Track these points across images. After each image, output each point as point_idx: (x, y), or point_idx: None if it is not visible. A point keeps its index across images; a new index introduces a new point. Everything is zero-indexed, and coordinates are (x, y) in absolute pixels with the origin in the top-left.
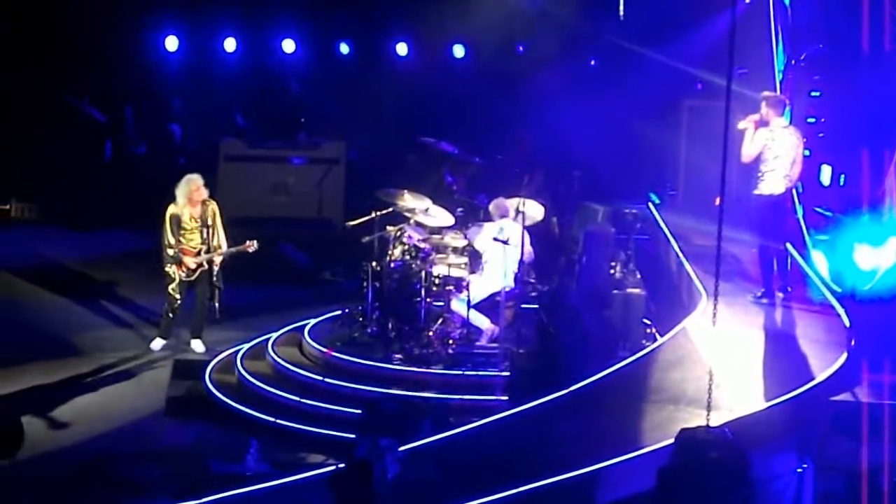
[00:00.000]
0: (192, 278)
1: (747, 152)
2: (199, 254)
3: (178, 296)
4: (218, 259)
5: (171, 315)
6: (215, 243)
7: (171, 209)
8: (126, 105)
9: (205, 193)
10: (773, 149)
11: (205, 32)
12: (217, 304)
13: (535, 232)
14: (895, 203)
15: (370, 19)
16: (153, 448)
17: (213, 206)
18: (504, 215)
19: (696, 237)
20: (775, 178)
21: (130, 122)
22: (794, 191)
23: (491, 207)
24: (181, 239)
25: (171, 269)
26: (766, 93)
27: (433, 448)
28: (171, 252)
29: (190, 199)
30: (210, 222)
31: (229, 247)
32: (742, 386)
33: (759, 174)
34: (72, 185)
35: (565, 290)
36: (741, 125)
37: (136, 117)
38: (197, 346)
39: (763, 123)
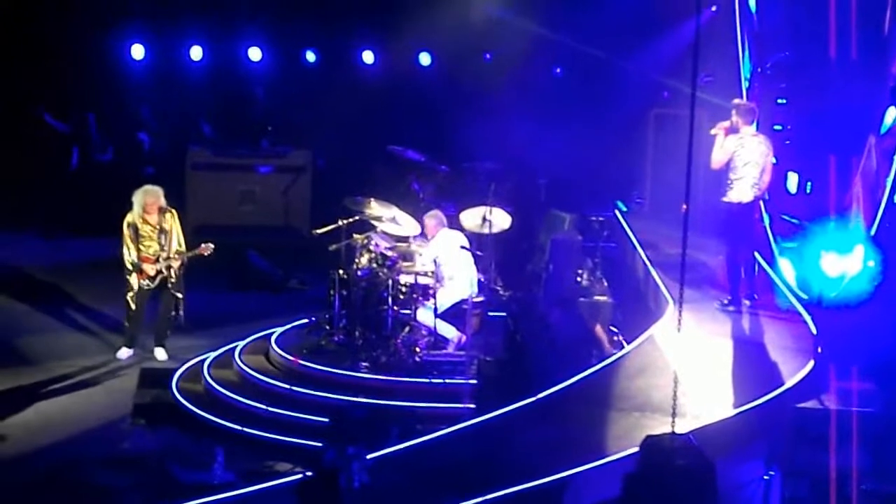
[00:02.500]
0: (153, 286)
1: (716, 159)
2: (157, 260)
3: (135, 305)
4: (176, 265)
5: (129, 324)
6: (174, 250)
7: (128, 217)
8: (88, 112)
9: (162, 202)
10: (743, 156)
11: (171, 41)
12: (181, 313)
13: (501, 239)
14: (861, 210)
15: (336, 27)
16: (119, 456)
17: (170, 212)
18: (442, 226)
19: (667, 245)
20: (744, 187)
21: (94, 129)
22: (761, 200)
23: (427, 221)
24: (140, 246)
25: (131, 277)
26: (736, 100)
27: (400, 456)
28: (130, 260)
29: (145, 209)
30: (167, 229)
31: (187, 251)
32: (709, 393)
33: (729, 182)
34: (38, 192)
35: (532, 297)
36: (712, 132)
37: (99, 124)
38: (159, 354)
39: (733, 131)
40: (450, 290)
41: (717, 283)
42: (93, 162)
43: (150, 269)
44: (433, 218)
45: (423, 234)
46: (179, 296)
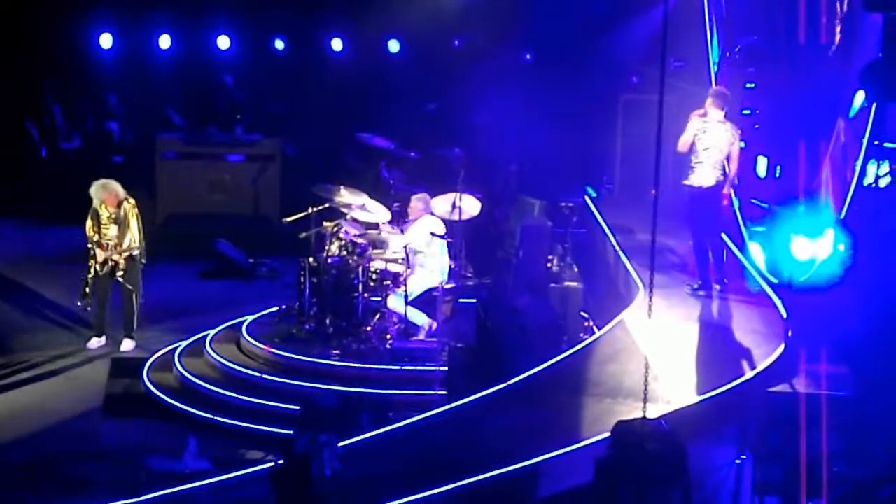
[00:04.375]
0: (102, 272)
1: (681, 141)
2: (107, 248)
3: (90, 289)
4: (120, 257)
5: (89, 309)
6: (126, 242)
7: (94, 202)
8: (53, 104)
9: (120, 194)
10: (704, 140)
11: (139, 30)
12: (135, 303)
13: (471, 226)
14: (831, 194)
15: (305, 15)
16: (91, 447)
17: (127, 205)
18: (427, 211)
19: (637, 231)
20: (704, 171)
21: (59, 119)
22: (730, 186)
23: (414, 202)
24: (100, 232)
25: (90, 261)
26: (714, 88)
27: (372, 443)
28: (89, 245)
29: (103, 201)
30: (122, 220)
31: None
32: (680, 378)
33: (690, 165)
34: (6, 181)
35: (503, 284)
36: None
37: (64, 113)
38: (125, 344)
39: (704, 116)
40: (420, 278)
41: (688, 269)
42: (59, 151)
43: (100, 254)
44: (420, 201)
45: (404, 216)
46: (130, 287)
